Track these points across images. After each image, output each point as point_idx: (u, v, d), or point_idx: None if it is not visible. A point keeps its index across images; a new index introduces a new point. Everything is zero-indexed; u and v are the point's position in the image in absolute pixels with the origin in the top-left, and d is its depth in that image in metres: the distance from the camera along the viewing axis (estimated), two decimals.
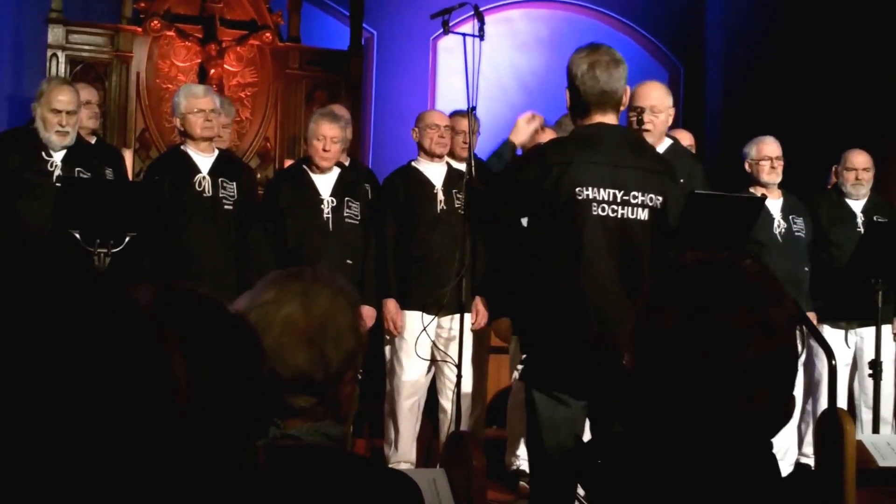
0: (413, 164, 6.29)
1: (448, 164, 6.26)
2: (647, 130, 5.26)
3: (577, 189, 3.97)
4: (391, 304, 6.07)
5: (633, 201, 4.02)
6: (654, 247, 4.05)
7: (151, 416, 1.38)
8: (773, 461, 1.64)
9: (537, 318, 4.07)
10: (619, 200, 4.00)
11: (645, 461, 1.64)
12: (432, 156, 6.23)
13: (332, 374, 1.99)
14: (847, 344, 6.56)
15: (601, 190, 3.99)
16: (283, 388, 1.96)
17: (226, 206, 5.89)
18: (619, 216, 4.00)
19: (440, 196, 6.13)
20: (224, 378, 1.60)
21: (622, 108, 4.20)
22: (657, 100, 5.41)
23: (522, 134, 4.47)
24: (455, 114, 6.54)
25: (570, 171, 3.98)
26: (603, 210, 3.99)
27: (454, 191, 6.10)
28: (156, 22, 8.64)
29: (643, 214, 4.03)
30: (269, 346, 1.89)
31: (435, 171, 6.21)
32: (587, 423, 4.17)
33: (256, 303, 1.99)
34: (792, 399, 1.63)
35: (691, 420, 1.58)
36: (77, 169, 5.81)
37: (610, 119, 4.11)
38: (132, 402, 1.34)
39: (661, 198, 4.07)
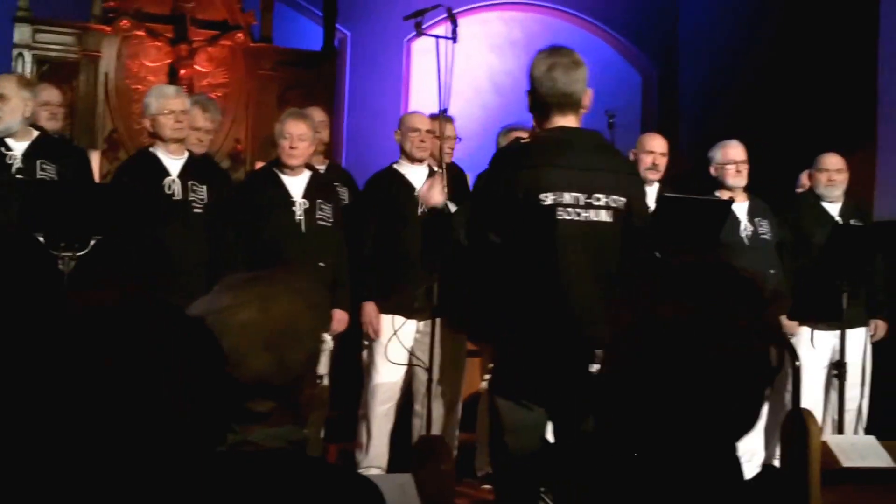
0: (395, 166, 6.28)
1: (430, 167, 6.23)
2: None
3: (542, 195, 3.96)
4: (370, 308, 6.05)
5: (595, 203, 4.02)
6: (621, 247, 4.06)
7: (110, 420, 1.37)
8: (737, 463, 1.66)
9: (509, 325, 4.06)
10: (582, 203, 4.00)
11: (613, 462, 1.64)
12: (413, 159, 6.21)
13: (291, 377, 1.98)
14: (823, 346, 6.58)
15: (566, 194, 3.99)
16: (243, 394, 1.95)
17: (195, 210, 5.84)
18: (585, 219, 4.00)
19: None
20: (182, 383, 1.59)
21: (583, 111, 4.19)
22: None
23: (434, 197, 4.44)
24: (434, 117, 6.54)
25: (537, 175, 3.98)
26: (569, 214, 3.99)
27: None
28: (125, 21, 8.57)
29: (607, 216, 4.04)
30: (227, 350, 1.88)
31: (416, 175, 6.20)
32: (549, 427, 4.18)
33: (214, 307, 1.98)
34: (762, 403, 1.65)
35: (669, 420, 1.59)
36: (39, 161, 5.75)
37: (570, 121, 4.10)
38: (92, 406, 1.33)
39: (624, 199, 4.07)
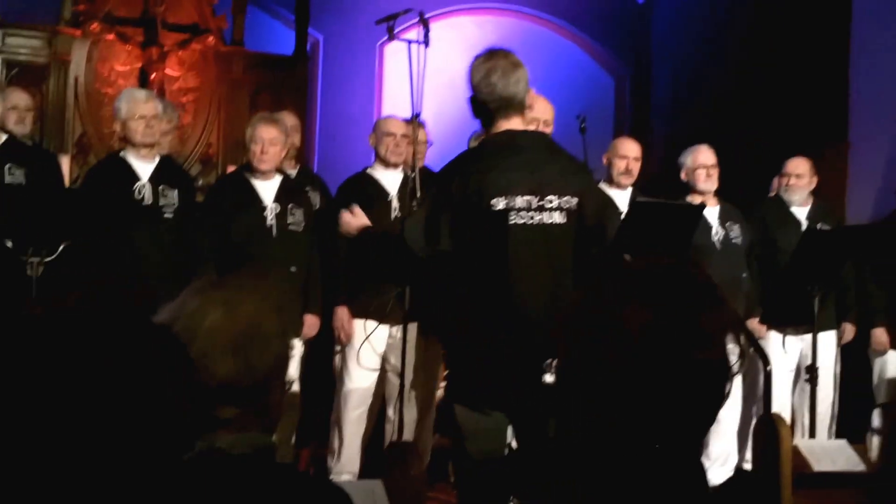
0: (368, 171, 6.26)
1: (405, 171, 6.21)
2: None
3: (493, 200, 3.93)
4: (342, 312, 6.04)
5: (548, 206, 3.98)
6: (575, 248, 4.03)
7: (74, 428, 1.35)
8: (700, 464, 1.66)
9: (463, 332, 4.03)
10: (534, 206, 3.96)
11: (575, 466, 1.63)
12: (388, 164, 6.19)
13: (258, 382, 1.97)
14: (785, 349, 6.61)
15: (518, 198, 3.95)
16: (210, 399, 1.94)
17: (166, 215, 5.81)
18: (538, 222, 3.97)
19: (395, 203, 6.11)
20: (149, 390, 1.57)
21: (528, 112, 4.16)
22: (548, 113, 5.65)
23: (352, 226, 4.37)
24: (408, 121, 6.52)
25: (488, 180, 3.94)
26: (521, 218, 3.95)
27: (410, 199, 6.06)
28: (95, 24, 8.52)
29: (560, 218, 4.00)
30: (194, 356, 1.86)
31: (390, 179, 6.18)
32: (510, 431, 4.16)
33: (180, 313, 1.97)
34: (721, 403, 1.65)
35: (629, 423, 1.58)
36: (7, 165, 5.70)
37: (515, 124, 4.06)
38: (54, 414, 1.31)
39: (576, 199, 4.03)
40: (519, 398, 3.93)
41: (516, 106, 4.05)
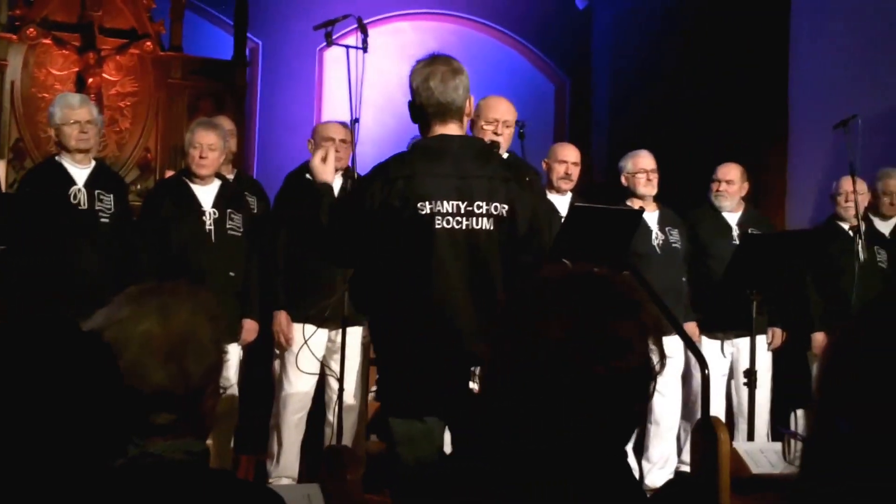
0: (307, 175, 6.20)
1: (343, 177, 6.18)
2: (497, 143, 5.28)
3: (419, 203, 3.91)
4: (281, 317, 6.02)
5: (477, 211, 3.96)
6: (503, 256, 4.02)
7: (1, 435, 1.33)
8: (628, 468, 1.68)
9: (390, 336, 4.03)
10: (462, 212, 3.94)
11: (505, 473, 1.63)
12: None
13: (192, 389, 1.96)
14: (723, 354, 6.68)
15: (444, 202, 3.93)
16: (143, 406, 1.92)
17: (102, 220, 5.77)
18: (465, 227, 3.94)
19: None
20: (77, 396, 1.55)
21: (467, 118, 4.16)
22: (510, 114, 5.55)
23: (325, 173, 4.32)
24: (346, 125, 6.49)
25: (413, 184, 3.92)
26: (448, 223, 3.93)
27: None
28: (32, 29, 8.43)
29: (488, 224, 3.98)
30: (127, 363, 1.85)
31: None
32: (447, 436, 4.16)
33: (113, 320, 1.96)
34: (646, 407, 1.67)
35: (553, 430, 1.59)
36: None
37: (452, 129, 4.04)
38: None
39: (506, 206, 4.01)
40: (450, 404, 3.92)
41: (454, 112, 4.03)
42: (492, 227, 3.98)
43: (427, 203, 3.91)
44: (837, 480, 1.29)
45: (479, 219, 3.97)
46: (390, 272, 3.95)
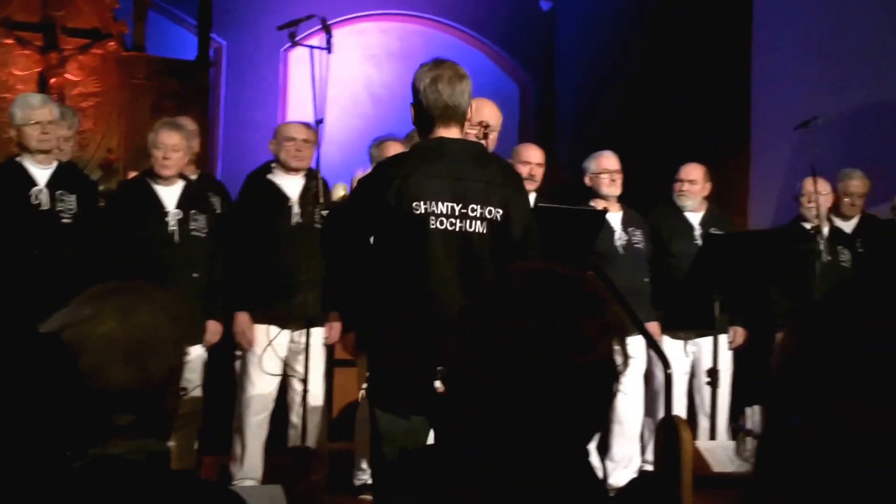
0: (269, 176, 6.20)
1: (305, 176, 6.16)
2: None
3: (414, 203, 3.96)
4: (243, 318, 6.00)
5: (471, 214, 4.02)
6: (495, 259, 4.06)
7: None
8: (590, 467, 1.68)
9: (381, 333, 4.06)
10: (457, 214, 4.00)
11: (468, 471, 1.64)
12: (289, 169, 6.15)
13: (154, 389, 1.95)
14: (686, 353, 6.71)
15: (440, 203, 3.99)
16: (104, 406, 1.92)
17: (63, 220, 5.72)
18: (459, 229, 4.00)
19: (295, 209, 6.07)
20: (35, 398, 1.55)
21: (468, 124, 4.21)
22: (497, 118, 5.55)
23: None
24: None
25: (410, 184, 3.98)
26: (441, 224, 3.98)
27: (309, 205, 6.03)
28: None
29: (482, 227, 4.03)
30: (87, 363, 1.84)
31: (291, 185, 6.13)
32: (431, 436, 4.17)
33: (73, 320, 1.94)
34: (609, 406, 1.67)
35: (515, 428, 1.59)
36: None
37: (454, 133, 4.10)
38: None
39: (501, 210, 4.06)
40: (436, 402, 3.94)
41: (459, 115, 4.10)
42: (485, 231, 4.03)
43: (422, 203, 3.96)
44: (790, 476, 1.30)
45: (473, 222, 4.02)
46: (385, 269, 3.99)
